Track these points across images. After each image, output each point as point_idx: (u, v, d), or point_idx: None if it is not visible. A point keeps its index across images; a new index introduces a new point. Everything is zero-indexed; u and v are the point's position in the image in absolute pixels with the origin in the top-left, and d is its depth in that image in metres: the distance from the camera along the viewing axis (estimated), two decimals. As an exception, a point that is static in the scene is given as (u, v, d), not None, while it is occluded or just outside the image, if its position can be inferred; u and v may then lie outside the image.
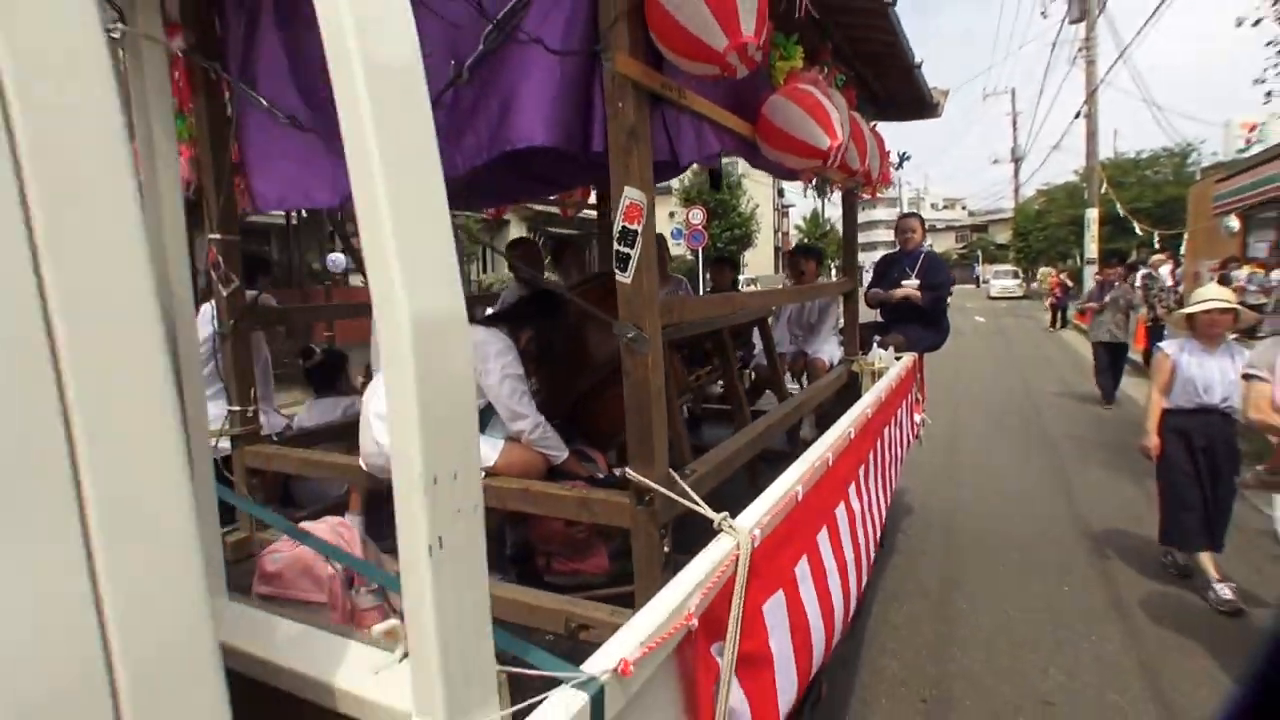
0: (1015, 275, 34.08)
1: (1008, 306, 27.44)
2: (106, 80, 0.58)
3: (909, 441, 3.99)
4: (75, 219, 0.53)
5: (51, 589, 0.51)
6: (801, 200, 43.91)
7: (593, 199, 4.51)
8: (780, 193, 38.67)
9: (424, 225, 0.75)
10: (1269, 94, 6.70)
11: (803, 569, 1.76)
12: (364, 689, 0.88)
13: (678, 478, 1.69)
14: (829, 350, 4.06)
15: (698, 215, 16.39)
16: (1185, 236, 18.41)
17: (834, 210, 39.59)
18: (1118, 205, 20.13)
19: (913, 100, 4.04)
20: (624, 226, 1.65)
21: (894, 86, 3.75)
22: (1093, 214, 16.39)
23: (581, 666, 0.98)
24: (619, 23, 1.54)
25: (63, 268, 0.52)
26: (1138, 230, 19.97)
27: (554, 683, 0.93)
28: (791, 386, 3.90)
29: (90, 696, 0.52)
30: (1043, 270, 26.81)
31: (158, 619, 0.57)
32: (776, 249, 37.00)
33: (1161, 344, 3.90)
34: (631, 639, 1.06)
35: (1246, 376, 2.97)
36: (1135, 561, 4.22)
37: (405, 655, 0.93)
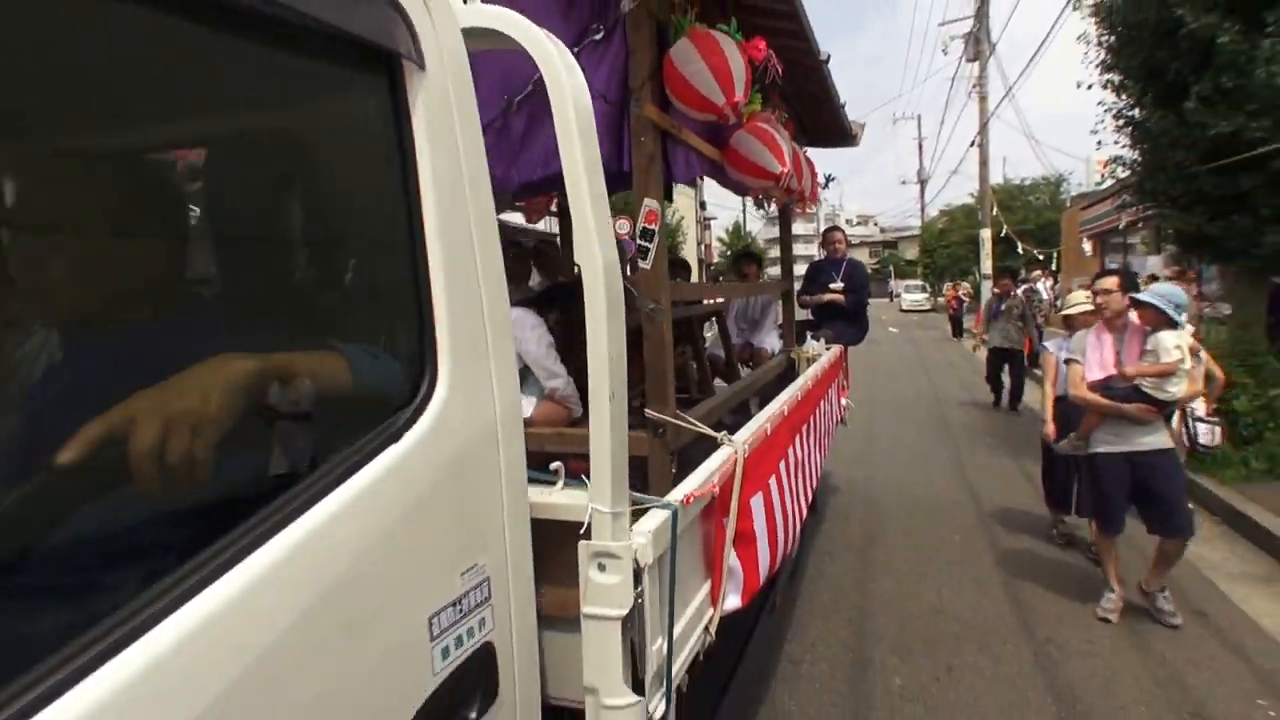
0: (924, 289, 36.63)
1: (918, 319, 29.75)
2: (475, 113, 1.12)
3: (838, 418, 4.74)
4: (486, 230, 1.08)
5: (485, 399, 1.06)
6: (723, 213, 45.80)
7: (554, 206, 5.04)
8: (702, 205, 40.03)
9: (602, 207, 1.32)
10: (1099, 143, 8.17)
11: (772, 483, 2.39)
12: (549, 499, 1.43)
13: (683, 414, 2.29)
14: (770, 341, 4.77)
15: (624, 225, 17.01)
16: (1055, 255, 20.81)
17: (754, 224, 41.43)
18: (1005, 227, 22.32)
19: (837, 132, 4.83)
20: (644, 227, 2.24)
21: (823, 121, 4.51)
22: (986, 234, 18.14)
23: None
24: (646, 82, 2.13)
25: (486, 253, 1.08)
26: (1020, 250, 22.22)
27: (646, 504, 1.52)
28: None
29: (489, 444, 1.08)
30: (947, 285, 29.18)
31: (507, 400, 1.13)
32: (700, 260, 38.22)
33: (1045, 344, 4.78)
34: (687, 488, 1.65)
35: (1068, 361, 3.81)
36: (1008, 517, 5.23)
37: (564, 485, 1.48)
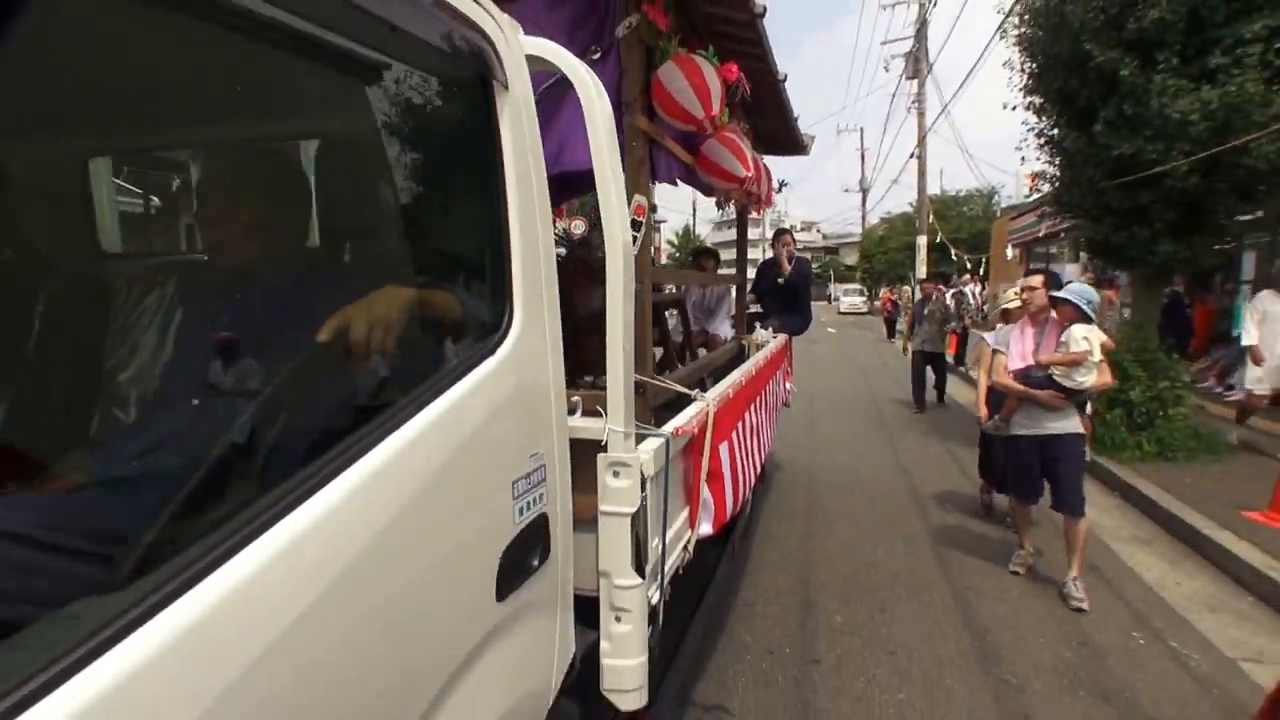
0: (861, 293, 38.16)
1: (854, 321, 31.13)
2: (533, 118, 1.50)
3: (783, 399, 5.23)
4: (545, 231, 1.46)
5: (541, 331, 1.44)
6: (672, 216, 46.73)
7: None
8: (653, 208, 40.66)
9: (622, 202, 1.70)
10: (1023, 159, 9.00)
11: (734, 436, 2.81)
12: (576, 423, 1.80)
13: (660, 376, 2.69)
14: (724, 329, 5.22)
15: (580, 226, 17.35)
16: (983, 261, 22.28)
17: (702, 228, 42.33)
18: (940, 234, 23.66)
19: (790, 142, 5.32)
20: (634, 219, 2.62)
21: (778, 131, 4.99)
22: (922, 241, 19.22)
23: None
24: (638, 97, 2.53)
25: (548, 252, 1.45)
26: (953, 256, 23.59)
27: (646, 433, 1.91)
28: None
29: (544, 368, 1.45)
30: (883, 289, 30.59)
31: (554, 334, 1.50)
32: (650, 262, 38.79)
33: (985, 335, 5.27)
34: (675, 423, 2.06)
35: (995, 351, 4.33)
36: (936, 493, 5.84)
37: (581, 414, 1.86)
